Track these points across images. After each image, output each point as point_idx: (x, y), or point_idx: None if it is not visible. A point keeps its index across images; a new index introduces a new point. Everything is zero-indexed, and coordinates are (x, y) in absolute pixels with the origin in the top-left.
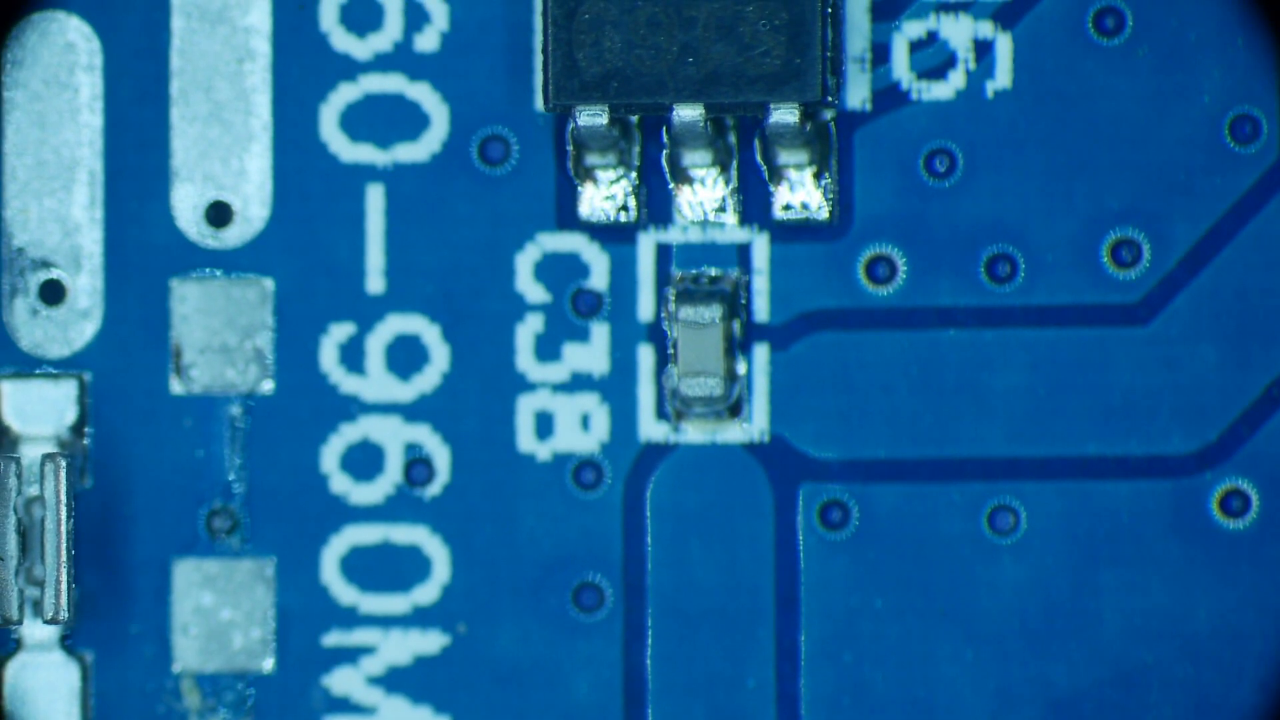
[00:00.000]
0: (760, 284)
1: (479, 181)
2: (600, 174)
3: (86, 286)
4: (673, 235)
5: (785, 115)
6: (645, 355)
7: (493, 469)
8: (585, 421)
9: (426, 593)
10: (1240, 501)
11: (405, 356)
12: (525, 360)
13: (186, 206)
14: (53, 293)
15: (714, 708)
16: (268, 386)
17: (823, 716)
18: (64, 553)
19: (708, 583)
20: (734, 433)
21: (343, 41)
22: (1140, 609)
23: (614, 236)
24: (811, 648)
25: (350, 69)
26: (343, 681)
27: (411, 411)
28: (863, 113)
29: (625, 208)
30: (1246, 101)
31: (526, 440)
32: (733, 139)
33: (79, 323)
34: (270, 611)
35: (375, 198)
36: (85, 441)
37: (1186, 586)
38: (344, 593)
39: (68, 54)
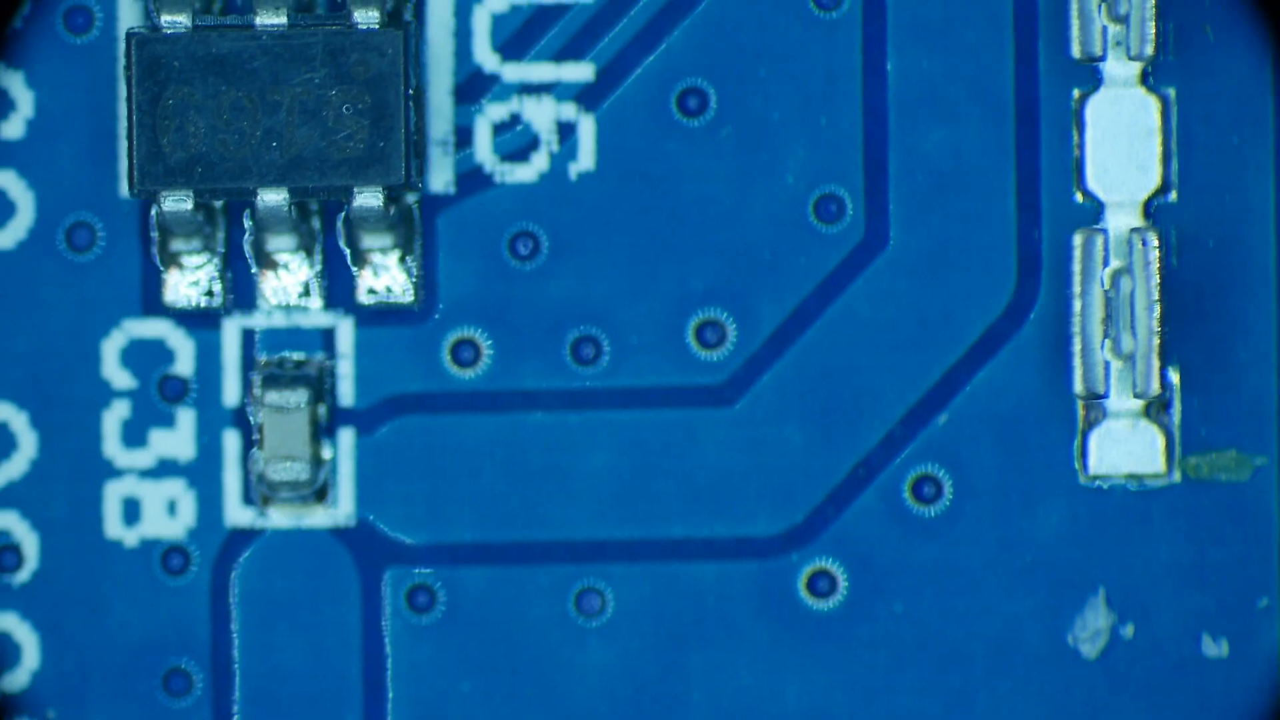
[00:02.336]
0: (345, 368)
1: (66, 268)
2: (185, 259)
3: None
4: (257, 320)
5: (369, 199)
6: (231, 440)
7: (81, 555)
8: (172, 507)
9: (16, 679)
10: (828, 582)
11: None
12: (112, 446)
13: None
14: None
15: None
16: None
17: None
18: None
19: (296, 668)
20: (320, 517)
21: None
22: (729, 690)
23: (199, 322)
24: None
25: None
26: None
27: None
28: (446, 196)
29: (210, 293)
30: (831, 180)
31: (114, 526)
32: (317, 223)
33: None
34: None
35: None
36: None
37: (775, 667)
38: None
39: None
